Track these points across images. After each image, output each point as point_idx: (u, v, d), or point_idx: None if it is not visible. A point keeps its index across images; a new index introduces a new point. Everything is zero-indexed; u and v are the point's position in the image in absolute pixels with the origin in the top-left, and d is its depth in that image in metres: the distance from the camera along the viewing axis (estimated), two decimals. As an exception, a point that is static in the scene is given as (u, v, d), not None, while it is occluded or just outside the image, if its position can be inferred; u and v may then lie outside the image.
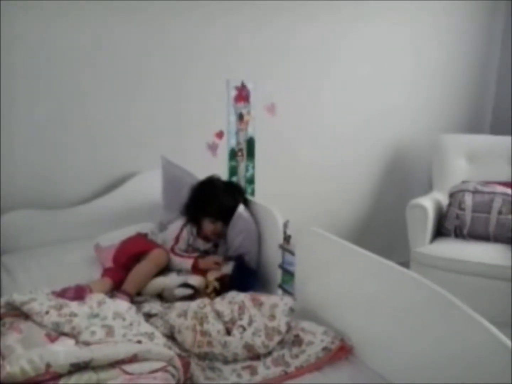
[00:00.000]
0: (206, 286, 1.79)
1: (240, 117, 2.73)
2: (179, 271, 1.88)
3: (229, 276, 1.84)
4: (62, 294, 1.56)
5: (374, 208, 3.32)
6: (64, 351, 1.21)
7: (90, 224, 2.32)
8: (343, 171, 3.14)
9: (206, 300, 1.60)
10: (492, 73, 3.49)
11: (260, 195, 2.79)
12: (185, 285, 1.78)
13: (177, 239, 1.98)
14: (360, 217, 3.30)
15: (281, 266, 1.91)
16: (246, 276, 1.87)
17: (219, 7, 2.52)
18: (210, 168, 2.31)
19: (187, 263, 1.90)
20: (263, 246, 1.99)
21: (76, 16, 2.23)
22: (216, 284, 1.78)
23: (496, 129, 3.46)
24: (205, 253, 2.01)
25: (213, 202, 1.99)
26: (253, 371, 1.38)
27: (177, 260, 1.91)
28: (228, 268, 1.87)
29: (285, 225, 1.95)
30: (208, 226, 2.01)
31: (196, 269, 1.88)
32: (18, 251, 2.18)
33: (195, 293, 1.76)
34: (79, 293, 1.58)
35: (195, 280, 1.81)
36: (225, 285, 1.78)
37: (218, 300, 1.62)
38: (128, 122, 2.45)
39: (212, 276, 1.82)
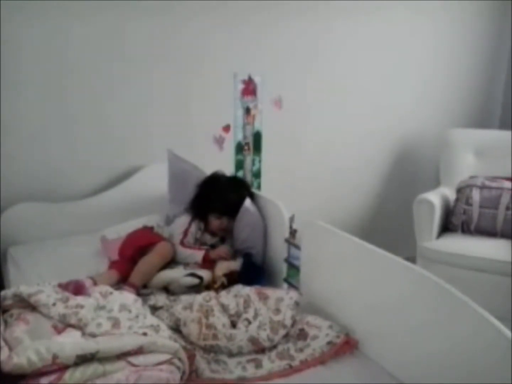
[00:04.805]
0: (214, 281, 1.79)
1: (247, 111, 2.72)
2: (186, 265, 1.89)
3: (238, 273, 1.84)
4: (65, 287, 1.58)
5: (381, 202, 3.31)
6: (70, 343, 1.22)
7: (97, 217, 2.34)
8: (350, 165, 3.12)
9: (211, 293, 1.61)
10: (501, 67, 3.45)
11: (267, 189, 2.78)
12: (192, 274, 1.78)
13: (185, 233, 1.99)
14: (367, 212, 3.29)
15: (287, 260, 1.91)
16: (253, 273, 1.87)
17: (226, 2, 2.50)
18: (216, 162, 2.32)
19: (198, 254, 1.91)
20: (269, 240, 1.99)
21: (85, 10, 2.23)
22: (224, 279, 1.78)
23: (505, 124, 3.42)
24: (212, 247, 2.02)
25: (217, 198, 2.00)
26: (258, 364, 1.38)
27: (187, 252, 1.92)
28: (236, 265, 1.87)
29: (291, 219, 1.94)
30: (214, 221, 2.02)
31: (206, 261, 1.89)
32: (25, 243, 2.20)
33: (201, 283, 1.77)
34: (78, 289, 1.58)
35: (203, 272, 1.82)
36: (233, 282, 1.78)
37: (223, 293, 1.62)
38: (134, 115, 2.45)
39: (220, 271, 1.82)
